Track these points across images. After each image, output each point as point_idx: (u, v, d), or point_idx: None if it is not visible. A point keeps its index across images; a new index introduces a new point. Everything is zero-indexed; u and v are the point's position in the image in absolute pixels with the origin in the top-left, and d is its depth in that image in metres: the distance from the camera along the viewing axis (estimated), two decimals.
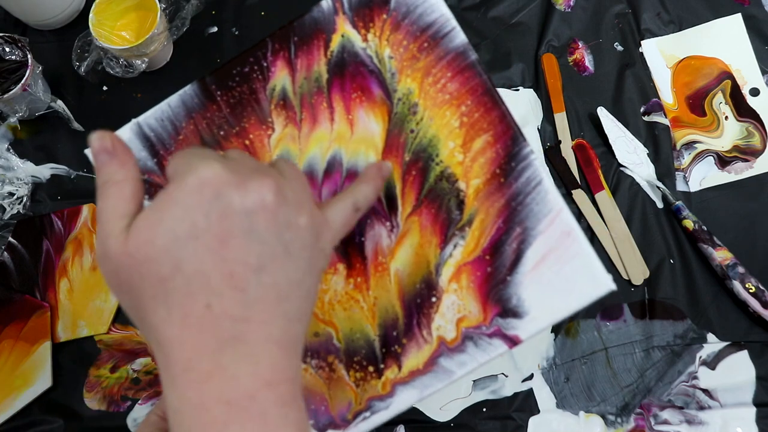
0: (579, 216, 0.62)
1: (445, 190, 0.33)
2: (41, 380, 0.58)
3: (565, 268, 0.32)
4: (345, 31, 0.33)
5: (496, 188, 0.33)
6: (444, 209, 0.33)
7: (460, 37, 0.33)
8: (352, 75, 0.33)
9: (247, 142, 0.34)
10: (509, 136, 0.32)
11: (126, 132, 0.35)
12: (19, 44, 0.65)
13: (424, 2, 0.33)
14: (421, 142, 0.33)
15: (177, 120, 0.34)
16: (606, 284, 0.31)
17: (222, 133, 0.34)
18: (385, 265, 0.34)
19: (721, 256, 0.59)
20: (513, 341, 0.32)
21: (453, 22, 0.33)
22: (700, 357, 0.57)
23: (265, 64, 0.34)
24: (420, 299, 0.33)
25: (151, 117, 0.35)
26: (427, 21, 0.33)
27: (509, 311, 0.32)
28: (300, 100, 0.34)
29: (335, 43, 0.33)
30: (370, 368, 0.34)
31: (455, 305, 0.33)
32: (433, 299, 0.33)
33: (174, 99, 0.34)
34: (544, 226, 0.32)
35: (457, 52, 0.33)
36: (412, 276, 0.33)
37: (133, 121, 0.35)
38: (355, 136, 0.34)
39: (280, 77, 0.34)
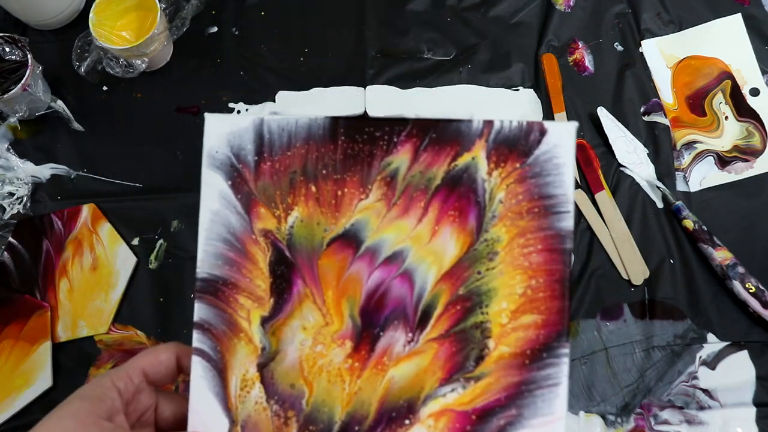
0: (579, 216, 0.63)
1: (475, 339, 0.34)
2: (41, 380, 0.58)
3: None
4: (477, 156, 0.34)
5: (517, 365, 0.33)
6: (463, 354, 0.34)
7: (568, 222, 0.33)
8: (459, 195, 0.34)
9: (339, 192, 0.35)
10: (557, 330, 0.33)
11: (247, 120, 0.35)
12: (19, 44, 0.65)
13: (557, 175, 0.33)
14: (480, 287, 0.34)
15: (295, 138, 0.35)
16: None
17: (324, 172, 0.35)
18: (385, 367, 0.34)
19: (721, 256, 0.59)
20: None
21: (570, 206, 0.33)
22: (700, 357, 0.57)
23: (395, 140, 0.35)
24: (396, 414, 0.34)
25: (275, 122, 0.35)
26: (550, 192, 0.33)
27: None
28: (404, 187, 0.35)
29: (463, 160, 0.34)
30: None
31: None
32: (407, 421, 0.34)
33: (303, 120, 0.35)
34: (537, 422, 0.33)
35: (559, 234, 0.33)
36: (402, 391, 0.34)
37: (260, 116, 0.36)
38: (430, 245, 0.34)
39: (401, 158, 0.35)
